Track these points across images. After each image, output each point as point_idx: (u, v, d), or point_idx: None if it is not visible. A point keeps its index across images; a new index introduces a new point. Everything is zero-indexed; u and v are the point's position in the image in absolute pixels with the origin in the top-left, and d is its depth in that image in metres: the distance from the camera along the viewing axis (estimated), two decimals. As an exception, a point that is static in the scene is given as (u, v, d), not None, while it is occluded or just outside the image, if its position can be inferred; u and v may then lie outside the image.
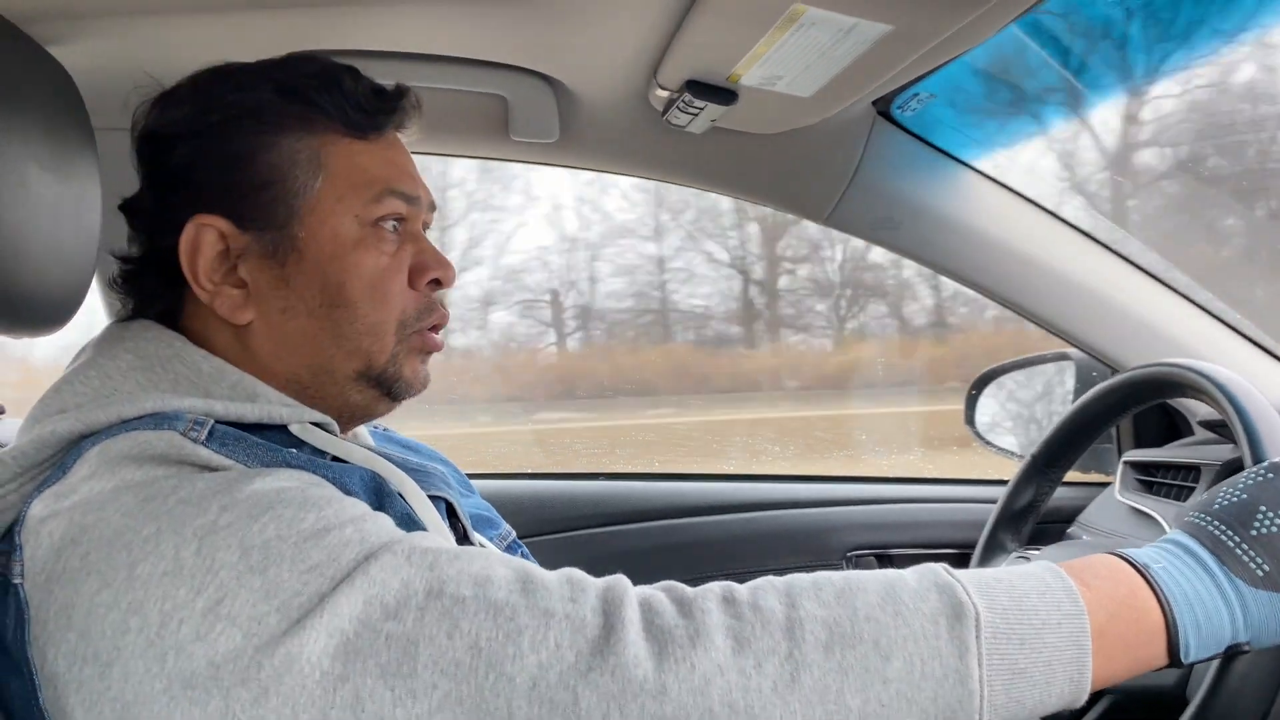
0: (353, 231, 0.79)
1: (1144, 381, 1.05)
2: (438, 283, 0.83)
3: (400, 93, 0.83)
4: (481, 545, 0.88)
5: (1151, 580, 0.67)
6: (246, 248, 0.78)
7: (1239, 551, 0.69)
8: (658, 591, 0.64)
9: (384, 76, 0.85)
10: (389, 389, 0.82)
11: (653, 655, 0.59)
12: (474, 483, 1.03)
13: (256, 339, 0.79)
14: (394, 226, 0.81)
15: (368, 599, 0.60)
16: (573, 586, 0.63)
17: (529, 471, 1.67)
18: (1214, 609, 0.67)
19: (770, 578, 0.66)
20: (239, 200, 0.78)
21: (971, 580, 0.65)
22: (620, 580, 0.65)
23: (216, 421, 0.71)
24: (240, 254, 0.78)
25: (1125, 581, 0.68)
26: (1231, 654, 0.70)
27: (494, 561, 0.64)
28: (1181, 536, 0.71)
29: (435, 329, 0.85)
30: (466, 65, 1.17)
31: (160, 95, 0.82)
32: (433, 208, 0.87)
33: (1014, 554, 1.23)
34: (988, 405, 1.72)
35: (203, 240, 0.77)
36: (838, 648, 0.61)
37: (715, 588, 0.64)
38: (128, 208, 0.82)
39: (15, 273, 0.74)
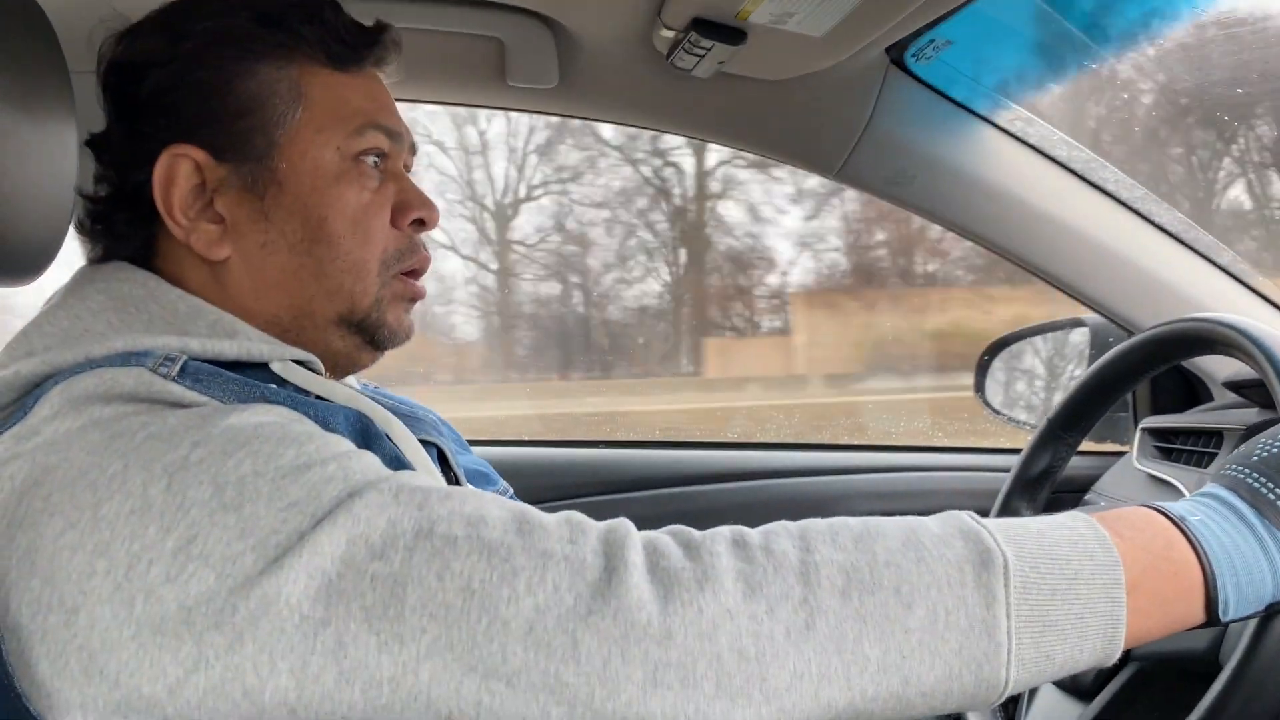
0: (334, 164, 0.76)
1: (1170, 338, 1.00)
2: (421, 223, 0.81)
3: (381, 27, 0.80)
4: None
5: (1189, 533, 0.64)
6: (224, 180, 0.75)
7: None
8: (663, 534, 0.61)
9: (370, 15, 0.81)
10: (371, 335, 0.79)
11: (657, 598, 0.56)
12: (473, 450, 0.99)
13: (234, 277, 0.76)
14: (376, 162, 0.78)
15: (351, 538, 0.56)
16: (572, 528, 0.60)
17: (527, 438, 1.63)
18: (1254, 564, 0.64)
19: (784, 521, 0.62)
20: (215, 129, 0.75)
21: (999, 527, 0.61)
22: (623, 522, 0.61)
23: (191, 358, 0.67)
24: (217, 186, 0.75)
25: (1161, 533, 0.64)
26: (1272, 613, 0.66)
27: (488, 502, 0.60)
28: (1218, 489, 0.68)
29: (416, 274, 0.82)
30: (459, 5, 1.12)
31: (128, 28, 0.78)
32: (413, 149, 0.84)
33: None
34: (999, 373, 1.67)
35: (177, 171, 0.74)
36: (855, 594, 0.57)
37: (725, 531, 0.61)
38: (94, 143, 0.79)
39: None
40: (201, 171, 0.75)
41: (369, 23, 0.80)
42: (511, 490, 0.96)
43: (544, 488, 1.48)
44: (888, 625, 0.57)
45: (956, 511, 0.64)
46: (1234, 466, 0.69)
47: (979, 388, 1.67)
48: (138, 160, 0.75)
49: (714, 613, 0.56)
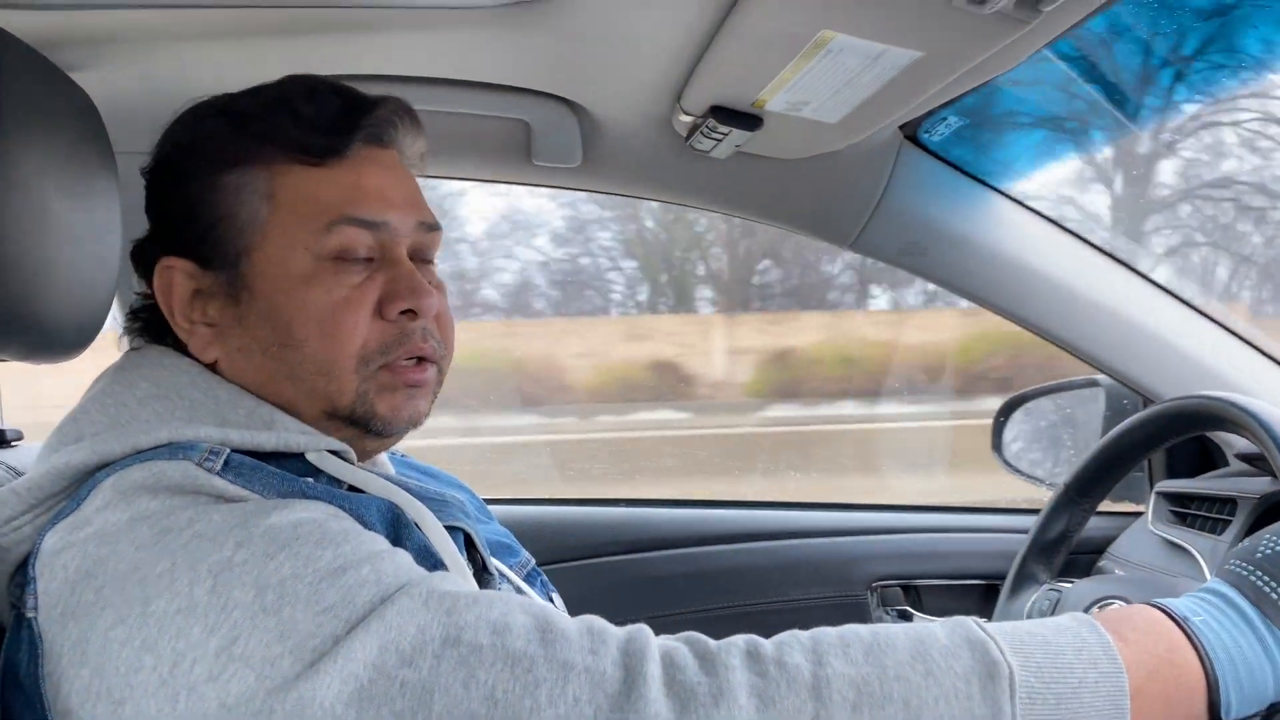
0: (304, 265, 0.75)
1: (1182, 413, 1.02)
2: (412, 313, 0.78)
3: (367, 107, 0.78)
4: (500, 573, 0.87)
5: (1192, 634, 0.65)
6: (209, 287, 0.78)
7: None
8: (680, 644, 0.63)
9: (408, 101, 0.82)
10: (365, 427, 0.78)
11: (674, 712, 0.58)
12: (492, 508, 1.01)
13: (228, 377, 0.78)
14: (363, 256, 0.77)
15: (383, 644, 0.58)
16: (593, 637, 0.61)
17: (547, 497, 1.66)
18: (1257, 664, 0.65)
19: (795, 632, 0.64)
20: (195, 240, 0.78)
21: (1005, 636, 0.63)
22: (642, 631, 0.63)
23: (233, 450, 0.70)
24: (207, 293, 0.78)
25: (1165, 636, 0.65)
26: (1273, 712, 0.67)
27: (513, 607, 0.63)
28: (1222, 586, 0.69)
29: (422, 360, 0.79)
30: (489, 90, 1.17)
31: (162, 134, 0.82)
32: (430, 228, 0.82)
33: (1045, 585, 1.20)
34: (1015, 431, 1.69)
35: (173, 281, 0.78)
36: (866, 708, 0.59)
37: (739, 641, 0.62)
38: (135, 248, 0.83)
39: (35, 300, 0.73)
40: (195, 279, 0.78)
41: (365, 99, 0.79)
42: (534, 562, 0.98)
43: (565, 548, 1.50)
44: None
45: (964, 619, 0.65)
46: (1238, 563, 0.70)
47: (996, 446, 1.68)
48: (147, 269, 0.80)
49: None
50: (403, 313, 0.77)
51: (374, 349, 0.76)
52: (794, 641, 0.62)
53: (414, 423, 0.80)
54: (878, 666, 0.61)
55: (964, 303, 1.32)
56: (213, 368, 0.78)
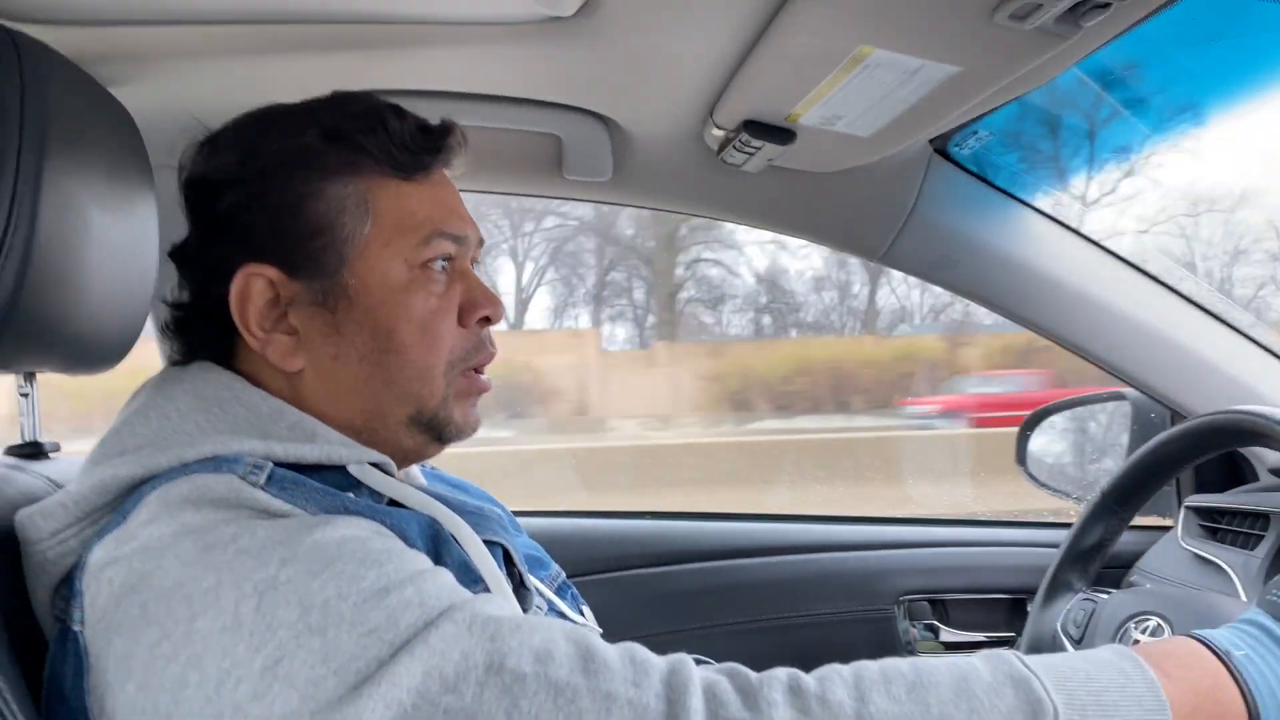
0: (402, 275, 0.78)
1: (1222, 428, 1.01)
2: (487, 319, 0.83)
3: (446, 130, 0.82)
4: (537, 590, 0.86)
5: (1234, 670, 0.65)
6: (297, 295, 0.78)
7: None
8: (721, 677, 0.62)
9: (439, 116, 0.84)
10: (439, 433, 0.81)
11: None
12: (521, 520, 1.01)
13: (309, 386, 0.79)
14: (443, 266, 0.81)
15: (427, 670, 0.59)
16: (636, 668, 0.61)
17: (576, 510, 1.65)
18: None
19: (837, 666, 0.64)
20: (288, 248, 0.78)
21: (1048, 672, 0.63)
22: (684, 663, 0.63)
23: (275, 464, 0.70)
24: (290, 301, 0.78)
25: (1209, 672, 0.66)
26: None
27: (556, 634, 0.63)
28: (1262, 617, 0.70)
29: (480, 369, 0.83)
30: (521, 105, 1.18)
31: (206, 139, 0.82)
32: (480, 243, 0.86)
33: (1080, 594, 1.19)
34: (1040, 445, 1.68)
35: (252, 289, 0.77)
36: None
37: (781, 675, 0.62)
38: (177, 255, 0.82)
39: (75, 313, 0.74)
40: (275, 287, 0.77)
41: (435, 122, 0.82)
42: (564, 575, 0.98)
43: (592, 559, 1.50)
44: None
45: (1005, 653, 0.65)
46: (1277, 592, 0.71)
47: (1020, 459, 1.68)
48: (216, 275, 0.78)
49: None
50: (478, 321, 0.82)
51: (459, 355, 0.81)
52: (835, 676, 0.62)
53: (474, 430, 0.84)
54: (921, 704, 0.60)
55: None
56: (295, 377, 0.78)
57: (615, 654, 0.62)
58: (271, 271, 0.77)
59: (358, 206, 0.78)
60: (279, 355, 0.78)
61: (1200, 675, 0.65)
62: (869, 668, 0.63)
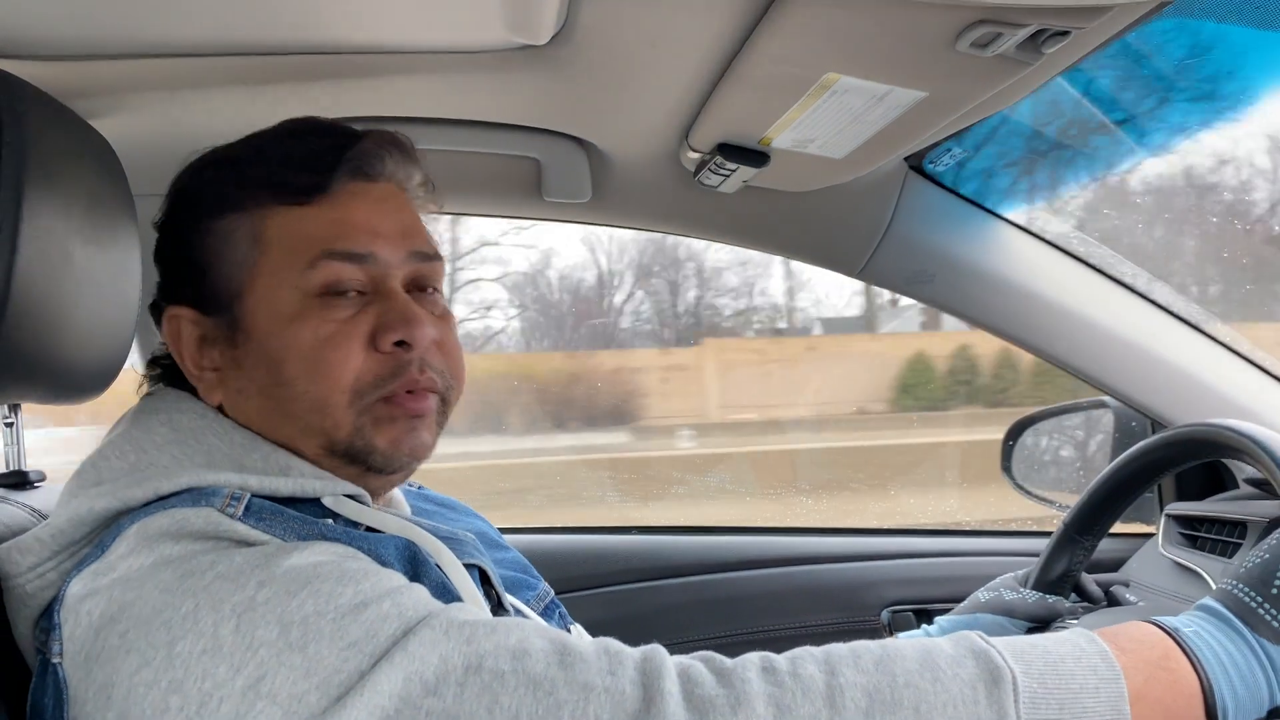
0: (292, 304, 0.76)
1: (1184, 442, 1.02)
2: (404, 344, 0.77)
3: (351, 140, 0.78)
4: (516, 610, 0.87)
5: (1183, 644, 0.68)
6: (210, 332, 0.79)
7: (1261, 611, 0.70)
8: (696, 661, 0.64)
9: (417, 142, 0.84)
10: (365, 462, 0.78)
11: None
12: (506, 537, 1.02)
13: (233, 419, 0.79)
14: (354, 289, 0.77)
15: (407, 675, 0.60)
16: (610, 658, 0.63)
17: (561, 525, 1.66)
18: (1249, 672, 0.68)
19: (808, 647, 0.66)
20: (193, 288, 0.80)
21: (1007, 646, 0.65)
22: (657, 650, 0.65)
23: (253, 495, 0.71)
24: (211, 338, 0.79)
25: (1158, 645, 0.68)
26: (1273, 717, 0.69)
27: (530, 633, 0.64)
28: (1210, 602, 0.73)
29: (421, 391, 0.78)
30: (499, 129, 1.19)
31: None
32: (427, 258, 0.81)
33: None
34: (1024, 453, 1.69)
35: (181, 329, 0.80)
36: (878, 714, 0.61)
37: (753, 657, 0.64)
38: (153, 307, 0.85)
39: (57, 344, 0.75)
40: (198, 326, 0.79)
41: (357, 130, 0.79)
42: (553, 593, 0.99)
43: (578, 576, 1.52)
44: None
45: (967, 632, 0.68)
46: (1227, 580, 0.74)
47: (1005, 468, 1.69)
48: (158, 319, 0.82)
49: None
50: (396, 344, 0.76)
51: (368, 382, 0.76)
52: (807, 655, 0.65)
53: (416, 456, 0.79)
54: (888, 675, 0.63)
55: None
56: (220, 410, 0.79)
57: (590, 647, 0.64)
58: (187, 312, 0.80)
59: (247, 237, 0.77)
60: (206, 390, 0.80)
61: (1150, 649, 0.67)
62: (839, 647, 0.66)
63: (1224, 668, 0.67)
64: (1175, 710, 0.66)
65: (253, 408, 0.78)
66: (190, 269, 0.79)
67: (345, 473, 0.78)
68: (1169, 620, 0.70)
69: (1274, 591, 0.70)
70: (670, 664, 0.63)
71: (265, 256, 0.77)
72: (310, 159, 0.77)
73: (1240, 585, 0.72)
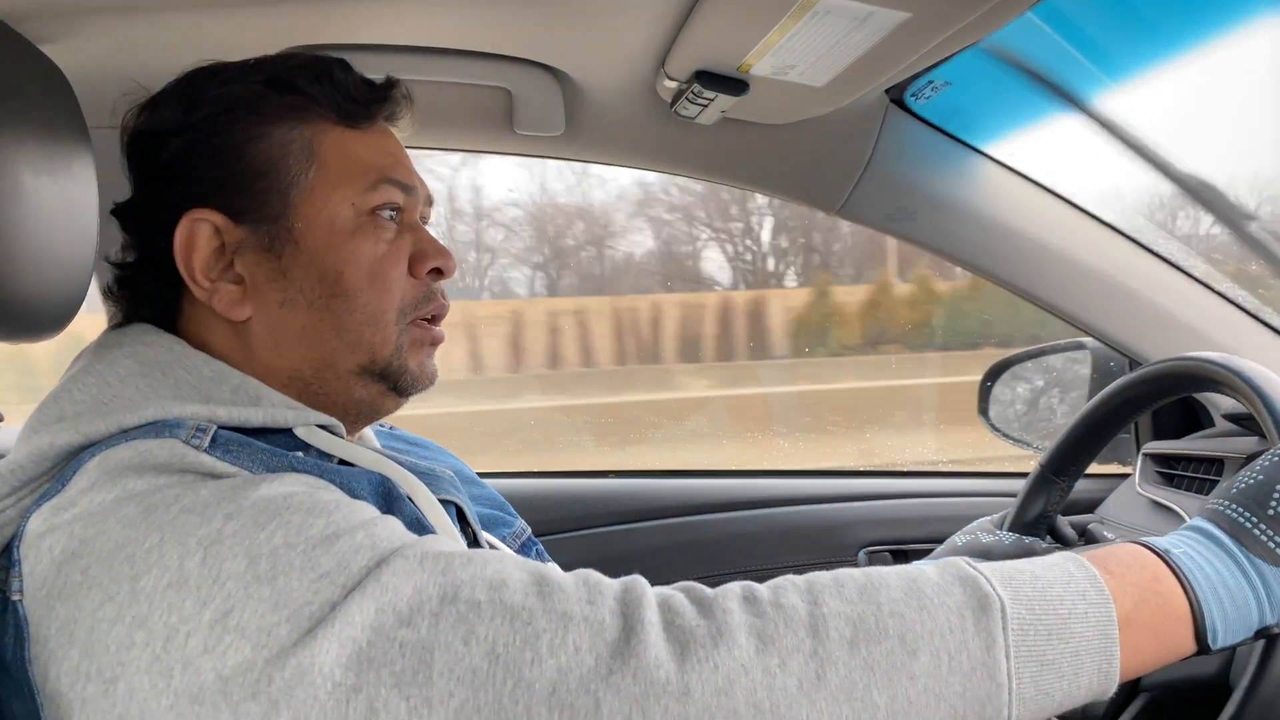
0: (349, 220, 0.78)
1: (1163, 377, 1.01)
2: (439, 272, 0.82)
3: (390, 84, 0.83)
4: (492, 545, 0.86)
5: (1173, 565, 0.67)
6: (242, 241, 0.77)
7: (1256, 532, 0.68)
8: (676, 592, 0.63)
9: (384, 70, 0.84)
10: (395, 383, 0.81)
11: (674, 656, 0.58)
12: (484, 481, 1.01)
13: (256, 336, 0.78)
14: (391, 215, 0.80)
15: (380, 606, 0.58)
16: (589, 588, 0.62)
17: (539, 470, 1.66)
18: (1238, 591, 0.67)
19: (790, 576, 0.65)
20: (232, 193, 0.77)
21: (994, 572, 0.64)
22: (638, 581, 0.63)
23: (220, 427, 0.69)
24: (236, 248, 0.77)
25: (1148, 567, 0.67)
26: (1262, 636, 0.69)
27: (508, 564, 0.63)
28: (1201, 523, 0.71)
29: (435, 320, 0.83)
30: (469, 58, 1.15)
31: (148, 99, 0.81)
32: (430, 201, 0.86)
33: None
34: (1001, 395, 1.69)
35: (197, 236, 0.76)
36: (863, 644, 0.60)
37: (735, 587, 0.63)
38: (120, 212, 0.81)
39: (11, 278, 0.72)
40: (220, 234, 0.77)
41: (379, 79, 0.83)
42: (529, 530, 0.98)
43: (557, 520, 1.51)
44: (894, 673, 0.59)
45: (954, 559, 0.66)
46: (1216, 500, 0.72)
47: (982, 410, 1.69)
48: (160, 226, 0.77)
49: (729, 668, 0.58)
50: (429, 273, 0.82)
51: (410, 303, 0.80)
52: (789, 584, 0.63)
53: (432, 381, 0.84)
54: (872, 603, 0.61)
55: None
56: (242, 327, 0.78)
57: (569, 578, 0.63)
58: (216, 217, 0.76)
59: (303, 151, 0.78)
60: (225, 305, 0.77)
61: (1140, 571, 0.66)
62: (822, 576, 0.64)
63: (1214, 588, 0.66)
64: (1164, 632, 0.65)
65: (297, 320, 0.77)
66: (232, 174, 0.77)
67: (370, 391, 0.81)
68: (1159, 541, 0.69)
69: (1270, 512, 0.69)
70: (651, 594, 0.62)
71: (323, 171, 0.78)
72: (362, 91, 0.81)
73: (1233, 505, 0.71)
